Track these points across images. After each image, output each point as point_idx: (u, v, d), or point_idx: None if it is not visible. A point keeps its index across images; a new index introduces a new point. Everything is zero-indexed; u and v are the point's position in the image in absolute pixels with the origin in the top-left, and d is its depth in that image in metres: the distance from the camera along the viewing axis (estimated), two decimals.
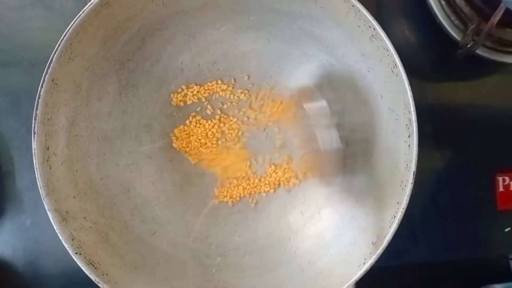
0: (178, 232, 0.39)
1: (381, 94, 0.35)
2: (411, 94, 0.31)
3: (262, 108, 0.41)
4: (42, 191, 0.32)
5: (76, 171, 0.34)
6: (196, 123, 0.40)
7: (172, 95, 0.40)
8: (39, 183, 0.32)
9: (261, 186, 0.41)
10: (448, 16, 0.40)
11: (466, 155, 0.44)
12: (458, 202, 0.43)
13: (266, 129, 0.41)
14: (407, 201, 0.31)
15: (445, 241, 0.43)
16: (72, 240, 0.32)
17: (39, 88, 0.31)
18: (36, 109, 0.32)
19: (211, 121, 0.41)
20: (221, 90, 0.41)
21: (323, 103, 0.38)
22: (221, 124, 0.41)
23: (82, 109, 0.35)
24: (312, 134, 0.38)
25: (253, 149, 0.41)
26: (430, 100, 0.43)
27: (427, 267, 0.44)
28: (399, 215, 0.31)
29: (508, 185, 0.43)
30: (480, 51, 0.39)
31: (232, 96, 0.41)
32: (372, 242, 0.33)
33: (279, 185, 0.41)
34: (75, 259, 0.32)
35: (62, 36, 0.31)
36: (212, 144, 0.40)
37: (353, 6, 0.32)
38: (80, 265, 0.32)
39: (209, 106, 0.41)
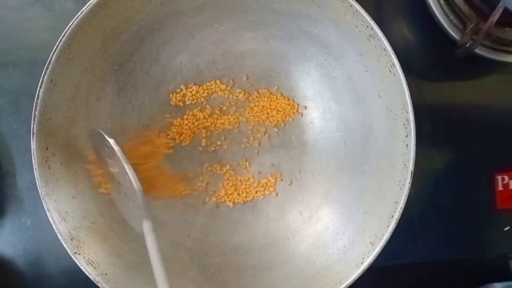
0: (177, 231, 0.39)
1: (379, 93, 0.35)
2: (409, 94, 0.31)
3: (260, 108, 0.41)
4: (41, 191, 0.32)
5: (75, 171, 0.35)
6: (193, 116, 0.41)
7: (171, 95, 0.40)
8: (38, 183, 0.32)
9: (261, 187, 0.41)
10: (447, 15, 0.40)
11: (465, 154, 0.44)
12: (457, 202, 0.43)
13: (266, 129, 0.41)
14: (405, 201, 0.32)
15: (444, 241, 0.43)
16: (72, 239, 0.32)
17: (38, 88, 0.32)
18: (35, 109, 0.32)
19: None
20: (220, 90, 0.41)
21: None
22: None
23: (81, 109, 0.35)
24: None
25: (252, 148, 0.41)
26: (428, 100, 0.43)
27: (426, 267, 0.44)
28: (397, 214, 0.32)
29: (507, 184, 0.43)
30: (478, 51, 0.39)
31: (230, 96, 0.41)
32: (370, 242, 0.33)
33: (274, 187, 0.41)
34: (74, 258, 0.32)
35: (61, 36, 0.31)
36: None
37: (351, 6, 0.32)
38: (79, 265, 0.32)
39: (207, 106, 0.41)
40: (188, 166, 0.41)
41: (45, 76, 0.32)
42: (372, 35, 0.32)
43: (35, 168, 0.32)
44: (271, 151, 0.41)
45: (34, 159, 0.32)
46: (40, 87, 0.32)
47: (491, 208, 0.43)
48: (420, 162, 0.32)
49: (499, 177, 0.43)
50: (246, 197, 0.41)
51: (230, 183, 0.41)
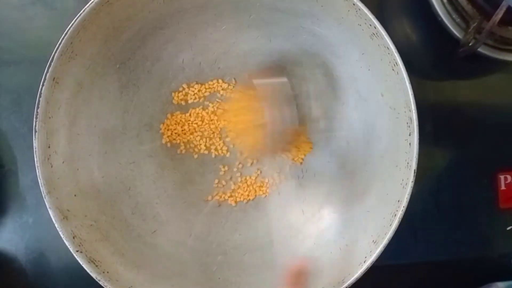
0: (179, 230, 0.39)
1: (382, 92, 0.35)
2: (412, 93, 0.31)
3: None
4: (43, 189, 0.32)
5: (77, 169, 0.35)
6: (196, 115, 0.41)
7: (173, 93, 0.40)
8: (40, 182, 0.32)
9: (263, 186, 0.41)
10: (450, 14, 0.40)
11: (468, 153, 0.44)
12: (459, 201, 0.43)
13: None
14: (408, 200, 0.31)
15: (446, 240, 0.43)
16: (73, 238, 0.32)
17: (40, 86, 0.32)
18: (37, 107, 0.32)
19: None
20: (222, 89, 0.41)
21: (284, 79, 0.38)
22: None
23: (83, 107, 0.35)
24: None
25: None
26: (431, 99, 0.43)
27: (428, 266, 0.44)
28: (400, 213, 0.31)
29: (510, 183, 0.43)
30: (481, 50, 0.39)
31: (232, 95, 0.41)
32: (373, 241, 0.33)
33: (276, 186, 0.41)
34: (76, 257, 0.32)
35: (63, 34, 0.31)
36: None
37: (354, 4, 0.31)
38: (81, 263, 0.32)
39: (210, 105, 0.41)
40: (191, 165, 0.41)
41: (47, 74, 0.32)
42: (375, 33, 0.32)
43: (37, 166, 0.32)
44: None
45: (36, 157, 0.32)
46: (42, 85, 0.32)
47: (494, 208, 0.43)
48: (422, 161, 0.32)
49: (502, 177, 0.43)
50: (248, 196, 0.40)
51: (233, 182, 0.41)
